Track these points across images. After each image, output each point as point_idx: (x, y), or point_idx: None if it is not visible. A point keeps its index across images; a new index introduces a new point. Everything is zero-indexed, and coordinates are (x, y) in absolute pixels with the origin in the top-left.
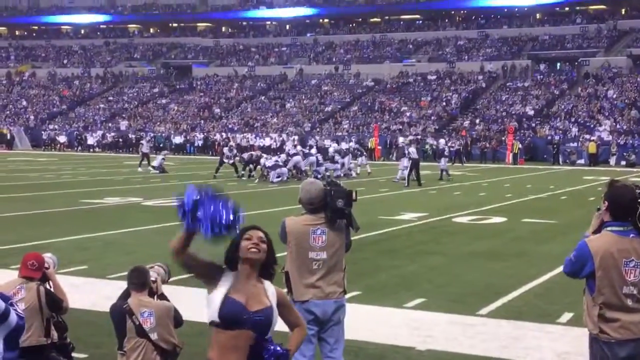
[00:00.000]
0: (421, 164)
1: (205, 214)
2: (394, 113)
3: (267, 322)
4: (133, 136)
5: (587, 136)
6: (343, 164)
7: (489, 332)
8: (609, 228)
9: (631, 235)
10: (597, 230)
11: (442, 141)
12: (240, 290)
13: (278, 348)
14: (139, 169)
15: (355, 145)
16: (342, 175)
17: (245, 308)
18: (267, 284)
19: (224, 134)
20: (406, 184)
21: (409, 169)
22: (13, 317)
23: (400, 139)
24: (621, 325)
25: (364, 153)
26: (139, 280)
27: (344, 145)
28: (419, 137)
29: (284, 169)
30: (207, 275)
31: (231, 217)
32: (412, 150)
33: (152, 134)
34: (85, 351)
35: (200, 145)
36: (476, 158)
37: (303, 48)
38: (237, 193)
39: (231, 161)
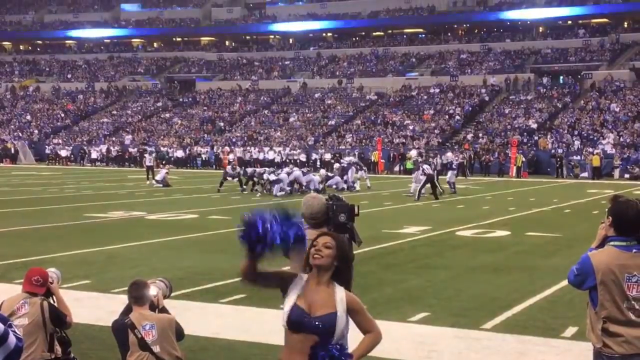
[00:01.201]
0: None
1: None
2: (397, 126)
3: (329, 327)
4: (134, 150)
5: (591, 149)
6: (346, 180)
7: (493, 347)
8: (612, 243)
9: (634, 250)
10: (600, 245)
11: (449, 155)
12: (307, 295)
13: (334, 352)
14: (147, 182)
15: (354, 160)
16: (346, 188)
17: (307, 314)
18: (339, 289)
19: (227, 147)
20: (416, 198)
21: (422, 184)
22: (12, 339)
23: (413, 153)
24: (625, 340)
25: (363, 167)
26: (138, 294)
27: (347, 159)
28: (422, 150)
29: (286, 183)
30: (279, 287)
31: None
32: (426, 167)
33: (154, 148)
34: None
35: (204, 159)
36: (479, 171)
37: (306, 62)
38: (240, 207)
39: (235, 178)
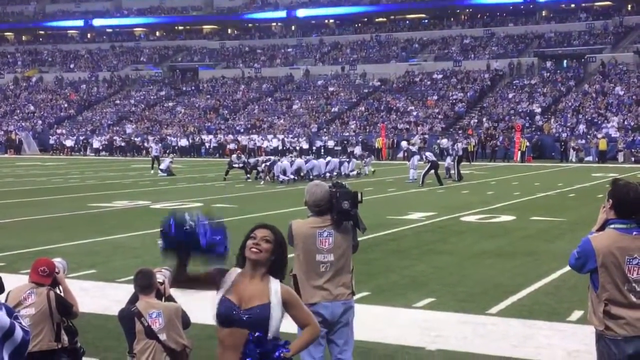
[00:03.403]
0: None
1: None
2: (401, 112)
3: (260, 319)
4: (137, 139)
5: (596, 133)
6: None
7: (499, 331)
8: (612, 225)
9: (634, 232)
10: (601, 228)
11: (444, 141)
12: (238, 289)
13: (268, 346)
14: (152, 172)
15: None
16: (353, 173)
17: (237, 306)
18: (273, 282)
19: (230, 136)
20: (421, 183)
21: (426, 170)
22: (18, 333)
23: (416, 140)
24: (627, 322)
25: (356, 156)
26: (144, 283)
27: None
28: (426, 136)
29: (289, 170)
30: (209, 286)
31: (211, 241)
32: (429, 154)
33: (158, 138)
34: (95, 355)
35: (208, 147)
36: (484, 156)
37: (309, 49)
38: (245, 195)
39: (240, 165)
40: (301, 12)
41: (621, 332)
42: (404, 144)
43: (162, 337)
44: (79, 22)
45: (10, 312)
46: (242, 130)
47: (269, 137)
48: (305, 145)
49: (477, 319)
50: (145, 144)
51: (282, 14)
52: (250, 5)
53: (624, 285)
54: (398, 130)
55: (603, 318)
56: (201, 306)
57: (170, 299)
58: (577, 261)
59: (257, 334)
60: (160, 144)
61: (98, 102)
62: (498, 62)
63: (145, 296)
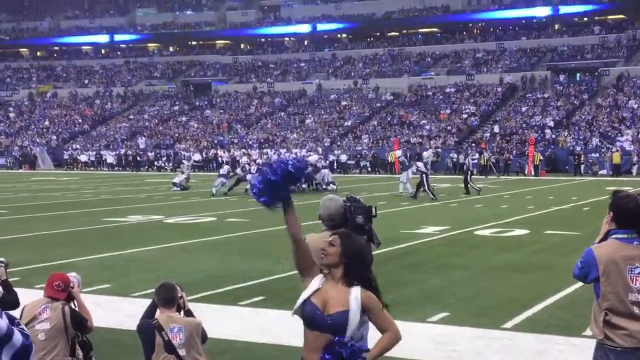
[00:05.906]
0: (443, 177)
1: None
2: (414, 126)
3: (340, 324)
4: (150, 154)
5: (611, 146)
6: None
7: (514, 346)
8: (613, 236)
9: (635, 242)
10: (604, 239)
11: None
12: (322, 293)
13: (344, 352)
14: (172, 186)
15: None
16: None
17: (320, 311)
18: (355, 288)
19: (243, 150)
20: (414, 196)
21: (419, 182)
22: (17, 338)
23: (429, 153)
24: (627, 334)
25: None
26: (167, 296)
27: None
28: (439, 150)
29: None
30: (305, 262)
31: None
32: (420, 164)
33: (171, 152)
34: None
35: (222, 162)
36: (497, 170)
37: (321, 63)
38: (255, 209)
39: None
40: (313, 27)
41: (621, 342)
42: (398, 153)
43: (182, 352)
44: (93, 38)
45: (12, 320)
46: (255, 145)
47: (282, 151)
48: (313, 160)
49: (492, 334)
50: (157, 163)
51: (294, 28)
52: (263, 20)
53: (627, 295)
54: (411, 144)
55: (603, 327)
56: (215, 320)
57: (189, 313)
58: (581, 271)
59: (337, 338)
60: (191, 161)
61: (112, 117)
62: (511, 75)
63: (167, 310)
